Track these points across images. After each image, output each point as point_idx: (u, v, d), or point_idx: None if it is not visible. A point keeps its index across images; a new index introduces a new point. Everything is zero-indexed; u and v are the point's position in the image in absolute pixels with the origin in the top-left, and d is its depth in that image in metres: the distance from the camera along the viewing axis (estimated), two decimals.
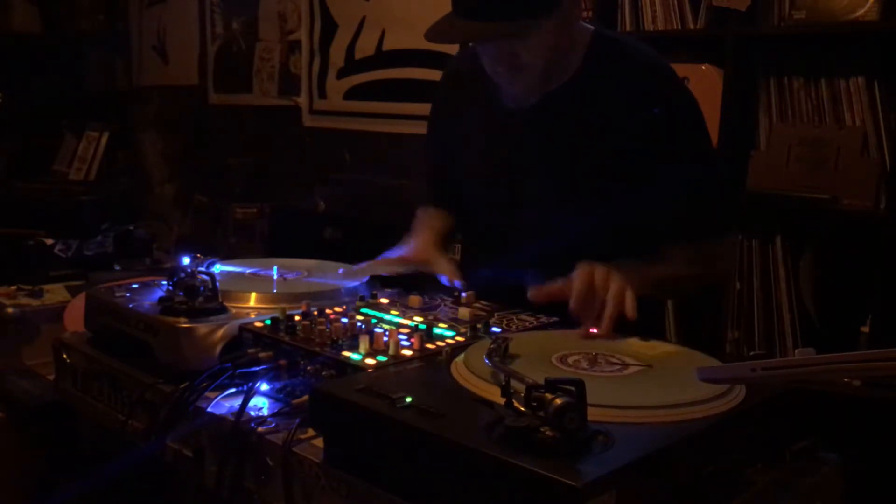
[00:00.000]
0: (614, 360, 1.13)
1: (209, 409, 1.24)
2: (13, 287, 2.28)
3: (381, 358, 1.17)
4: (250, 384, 1.23)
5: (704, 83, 2.47)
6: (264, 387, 1.26)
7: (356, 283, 1.60)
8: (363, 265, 1.67)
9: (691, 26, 2.53)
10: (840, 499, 1.13)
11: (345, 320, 1.30)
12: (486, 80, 1.61)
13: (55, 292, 2.27)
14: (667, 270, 1.54)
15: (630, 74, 1.57)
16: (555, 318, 1.40)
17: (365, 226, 3.11)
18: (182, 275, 1.41)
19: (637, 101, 1.55)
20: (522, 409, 0.88)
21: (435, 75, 3.25)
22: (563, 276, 1.38)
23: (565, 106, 1.60)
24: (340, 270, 1.68)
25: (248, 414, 1.18)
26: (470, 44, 1.68)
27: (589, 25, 1.65)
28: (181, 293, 1.39)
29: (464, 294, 1.48)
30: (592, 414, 0.87)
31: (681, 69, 2.50)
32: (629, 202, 1.51)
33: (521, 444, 0.84)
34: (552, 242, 1.53)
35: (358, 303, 1.46)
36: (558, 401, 0.84)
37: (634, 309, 1.31)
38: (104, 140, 4.46)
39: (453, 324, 1.35)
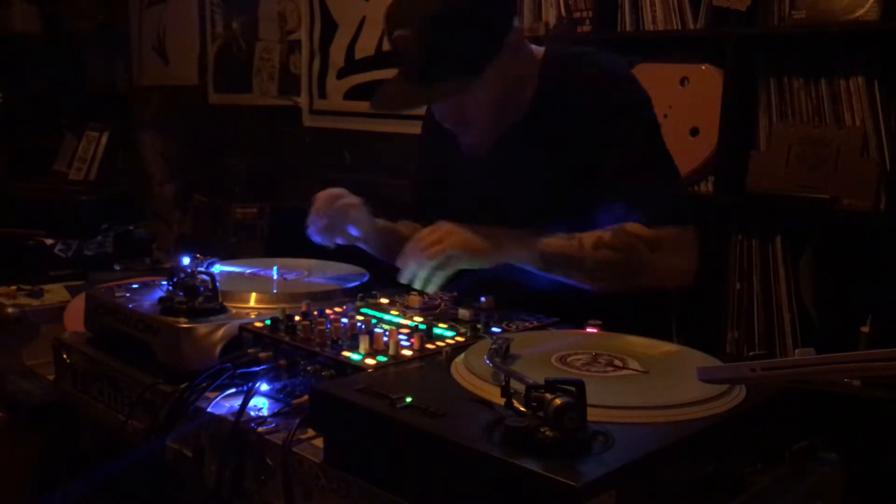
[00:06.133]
0: (614, 360, 1.13)
1: (209, 409, 1.24)
2: (13, 287, 2.28)
3: (381, 358, 1.17)
4: (250, 384, 1.23)
5: (704, 83, 2.47)
6: (264, 387, 1.26)
7: (356, 283, 1.60)
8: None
9: (691, 26, 2.53)
10: (840, 499, 1.13)
11: (345, 320, 1.29)
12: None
13: (55, 292, 2.27)
14: (563, 247, 1.49)
15: (581, 93, 1.57)
16: (555, 318, 1.40)
17: None
18: (182, 275, 1.41)
19: (590, 117, 1.55)
20: (522, 409, 0.88)
21: None
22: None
23: (522, 143, 1.62)
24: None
25: (248, 414, 1.18)
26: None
27: (538, 48, 1.66)
28: (181, 293, 1.39)
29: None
30: (592, 414, 0.87)
31: (681, 69, 2.52)
32: (587, 218, 1.51)
33: (520, 444, 0.84)
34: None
35: (358, 303, 1.46)
36: (558, 401, 0.84)
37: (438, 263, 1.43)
38: (104, 140, 4.47)
39: (453, 324, 1.35)
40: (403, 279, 1.47)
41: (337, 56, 3.70)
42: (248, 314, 1.40)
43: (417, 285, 1.48)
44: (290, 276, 1.67)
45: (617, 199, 1.50)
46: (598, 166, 1.54)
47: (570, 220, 1.53)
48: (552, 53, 1.65)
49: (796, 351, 0.94)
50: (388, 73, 3.71)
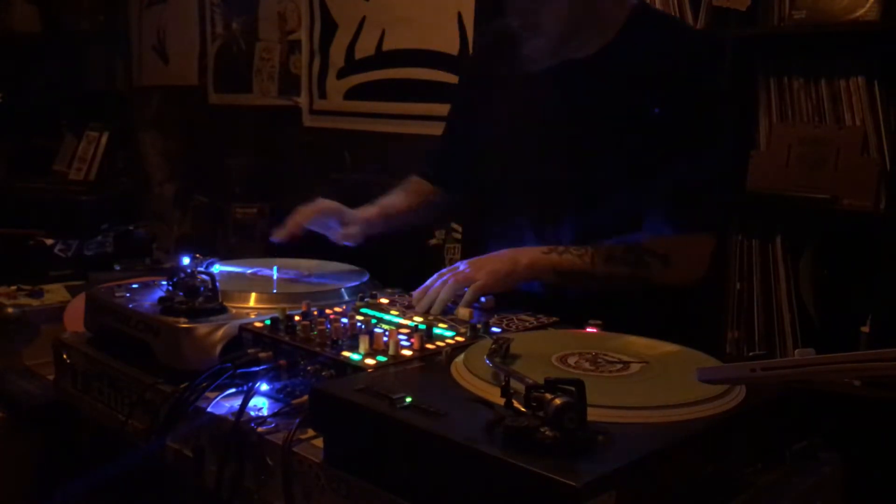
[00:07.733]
0: (614, 360, 1.13)
1: (209, 409, 1.24)
2: (13, 287, 2.28)
3: (381, 358, 1.17)
4: (250, 384, 1.23)
5: None
6: (264, 387, 1.26)
7: (356, 283, 1.61)
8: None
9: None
10: (840, 499, 1.13)
11: (345, 320, 1.30)
12: (513, 47, 1.62)
13: (55, 292, 2.27)
14: (577, 263, 1.53)
15: (663, 53, 1.55)
16: (555, 318, 1.41)
17: None
18: (182, 275, 1.41)
19: (664, 87, 1.53)
20: (522, 409, 0.88)
21: (435, 75, 3.25)
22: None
23: (589, 76, 1.59)
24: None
25: (248, 414, 1.18)
26: None
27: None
28: (181, 293, 1.39)
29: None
30: (592, 414, 0.87)
31: None
32: (625, 184, 1.52)
33: (520, 444, 0.84)
34: (550, 214, 1.56)
35: (358, 303, 1.46)
36: (558, 401, 0.84)
37: (468, 303, 1.44)
38: (104, 140, 4.46)
39: (453, 324, 1.35)
40: (420, 310, 1.44)
41: (337, 56, 3.70)
42: (248, 314, 1.40)
43: (433, 311, 1.45)
44: (289, 276, 1.67)
45: (658, 187, 1.50)
46: (651, 138, 1.52)
47: (596, 184, 1.54)
48: (644, 9, 1.64)
49: (796, 351, 0.94)
50: (389, 73, 3.70)
